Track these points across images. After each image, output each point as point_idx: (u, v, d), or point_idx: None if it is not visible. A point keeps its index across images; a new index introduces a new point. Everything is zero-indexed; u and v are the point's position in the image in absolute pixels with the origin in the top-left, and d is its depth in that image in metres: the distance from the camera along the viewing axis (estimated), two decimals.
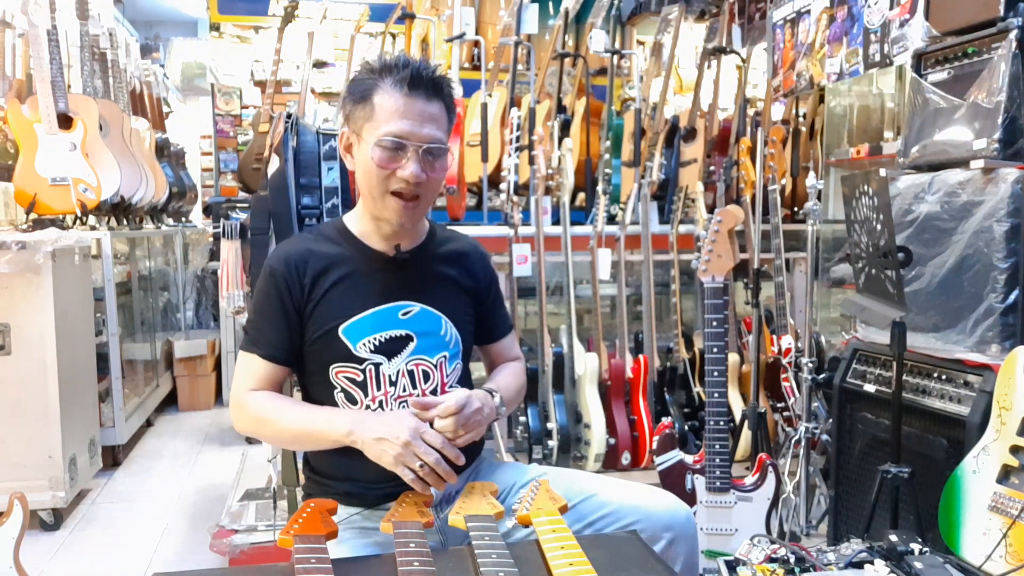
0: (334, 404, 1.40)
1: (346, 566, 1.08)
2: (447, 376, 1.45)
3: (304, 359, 1.42)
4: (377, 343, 1.39)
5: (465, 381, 1.51)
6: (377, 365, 1.39)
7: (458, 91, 2.95)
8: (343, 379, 1.40)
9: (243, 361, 1.41)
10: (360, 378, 1.39)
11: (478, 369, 1.66)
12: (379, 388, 1.39)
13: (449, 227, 1.62)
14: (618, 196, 3.60)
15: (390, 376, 1.39)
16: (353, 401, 1.39)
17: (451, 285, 1.49)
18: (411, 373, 1.41)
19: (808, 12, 3.09)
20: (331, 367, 1.39)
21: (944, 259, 1.97)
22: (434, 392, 1.42)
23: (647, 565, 1.09)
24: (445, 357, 1.44)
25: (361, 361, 1.39)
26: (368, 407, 1.39)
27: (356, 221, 1.46)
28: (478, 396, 1.35)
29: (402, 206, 1.36)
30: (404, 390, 1.40)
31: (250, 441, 3.81)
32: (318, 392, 1.43)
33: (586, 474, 1.50)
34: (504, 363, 1.61)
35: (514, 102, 3.43)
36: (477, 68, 3.92)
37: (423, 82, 1.33)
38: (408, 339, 1.41)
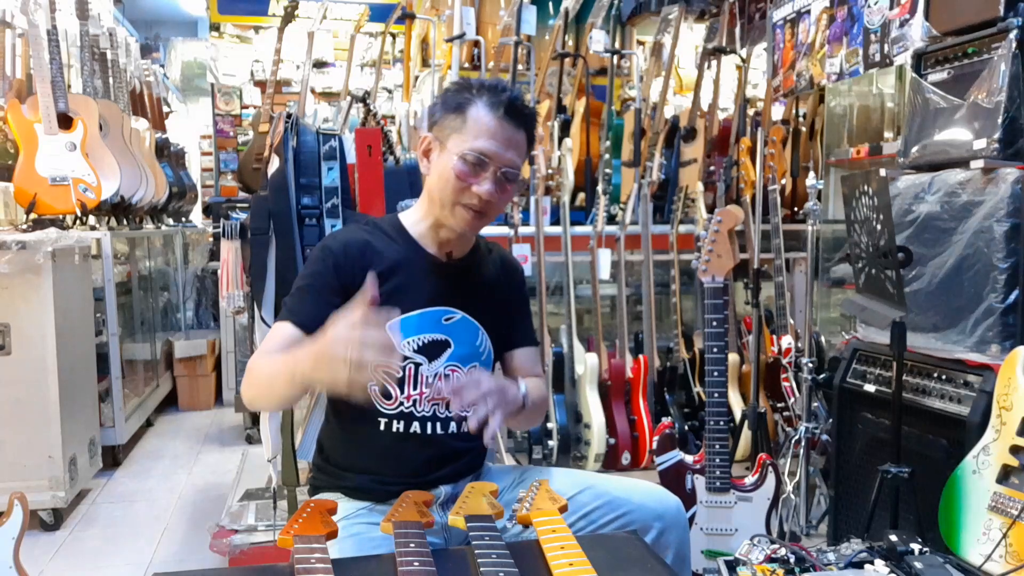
0: (367, 397, 1.40)
1: (346, 566, 1.08)
2: None
3: None
4: (420, 343, 1.41)
5: None
6: (417, 365, 1.41)
7: None
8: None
9: (273, 330, 1.38)
10: (399, 375, 1.40)
11: None
12: (415, 387, 1.41)
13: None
14: (618, 196, 3.60)
15: (427, 378, 1.42)
16: (387, 396, 1.41)
17: (491, 297, 1.51)
18: (447, 378, 1.43)
19: (808, 12, 3.09)
20: None
21: (944, 259, 1.97)
22: None
23: (647, 565, 1.09)
24: (476, 367, 1.47)
25: (403, 359, 1.40)
26: (402, 404, 1.41)
27: (414, 223, 1.47)
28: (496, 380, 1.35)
29: (472, 216, 1.39)
30: (439, 393, 1.42)
31: (250, 441, 3.82)
32: None
33: (583, 471, 1.51)
34: (524, 377, 1.56)
35: None
36: (477, 68, 3.92)
37: (516, 111, 1.38)
38: (446, 344, 1.43)
